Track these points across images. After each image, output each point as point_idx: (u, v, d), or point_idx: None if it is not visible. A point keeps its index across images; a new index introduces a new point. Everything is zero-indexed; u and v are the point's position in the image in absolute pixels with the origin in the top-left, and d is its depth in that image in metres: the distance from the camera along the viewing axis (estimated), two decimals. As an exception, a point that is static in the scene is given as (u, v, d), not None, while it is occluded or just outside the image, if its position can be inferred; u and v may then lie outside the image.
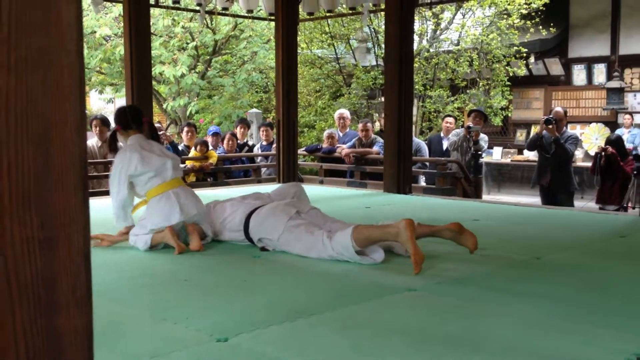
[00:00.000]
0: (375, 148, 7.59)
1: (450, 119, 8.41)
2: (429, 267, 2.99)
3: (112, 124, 5.51)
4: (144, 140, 3.70)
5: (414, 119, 10.21)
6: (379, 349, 1.99)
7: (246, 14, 7.67)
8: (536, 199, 7.82)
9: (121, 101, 12.50)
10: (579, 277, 2.94)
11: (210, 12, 7.77)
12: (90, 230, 0.90)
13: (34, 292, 0.83)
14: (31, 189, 0.83)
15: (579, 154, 10.77)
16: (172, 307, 2.46)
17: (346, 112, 8.77)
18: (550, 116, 6.90)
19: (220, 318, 2.30)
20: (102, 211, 4.44)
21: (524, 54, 11.65)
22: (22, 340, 0.82)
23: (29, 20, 0.82)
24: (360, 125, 7.92)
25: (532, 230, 4.30)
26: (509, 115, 12.70)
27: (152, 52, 7.17)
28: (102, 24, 11.23)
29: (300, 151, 8.13)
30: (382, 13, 7.22)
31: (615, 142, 7.59)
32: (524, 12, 11.36)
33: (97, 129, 6.95)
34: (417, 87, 11.35)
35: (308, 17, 7.55)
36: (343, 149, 7.75)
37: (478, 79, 12.02)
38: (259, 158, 8.23)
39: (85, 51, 11.11)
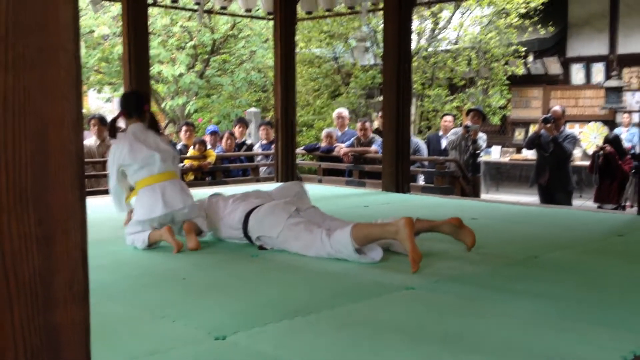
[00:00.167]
0: (374, 147, 7.59)
1: (449, 117, 8.42)
2: (426, 265, 3.00)
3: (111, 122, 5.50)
4: (141, 130, 3.69)
5: (413, 118, 10.22)
6: (377, 347, 2.00)
7: (244, 13, 7.66)
8: (534, 198, 7.83)
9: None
10: (577, 275, 2.94)
11: (209, 11, 7.77)
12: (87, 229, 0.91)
13: (32, 288, 0.83)
14: (28, 187, 0.83)
15: (577, 153, 10.77)
16: (171, 305, 2.46)
17: (345, 111, 8.77)
18: (549, 115, 6.92)
19: (219, 316, 2.30)
20: (100, 210, 4.45)
21: (523, 53, 11.65)
22: (21, 336, 0.83)
23: (26, 19, 0.83)
24: (358, 124, 7.92)
25: (530, 229, 4.30)
26: (508, 114, 12.71)
27: (151, 51, 7.16)
28: (101, 23, 11.22)
29: (299, 150, 8.13)
30: (381, 12, 7.21)
31: (614, 141, 7.61)
32: (523, 11, 11.37)
33: (96, 128, 6.96)
34: (415, 86, 11.35)
35: (306, 16, 7.55)
36: (341, 148, 7.75)
37: (476, 78, 12.02)
38: (259, 157, 8.23)
39: (84, 50, 11.09)
